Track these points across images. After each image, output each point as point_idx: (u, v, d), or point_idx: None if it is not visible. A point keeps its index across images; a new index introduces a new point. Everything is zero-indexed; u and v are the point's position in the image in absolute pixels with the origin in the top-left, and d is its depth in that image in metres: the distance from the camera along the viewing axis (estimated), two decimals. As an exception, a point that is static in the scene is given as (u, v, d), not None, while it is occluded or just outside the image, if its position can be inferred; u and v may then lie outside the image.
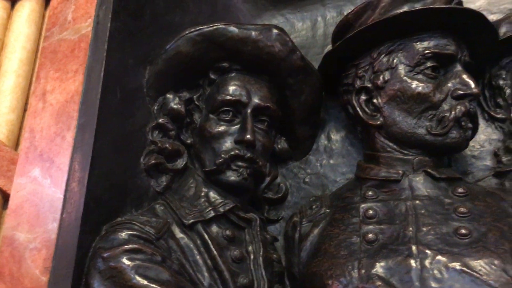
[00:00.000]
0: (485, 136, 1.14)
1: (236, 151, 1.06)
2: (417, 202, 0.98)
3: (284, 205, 1.22)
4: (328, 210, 1.09)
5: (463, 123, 0.99)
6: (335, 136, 1.25)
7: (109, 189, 0.96)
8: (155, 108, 1.12)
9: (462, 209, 0.94)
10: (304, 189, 1.23)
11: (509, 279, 0.83)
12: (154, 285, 0.85)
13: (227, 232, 1.04)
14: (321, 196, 1.16)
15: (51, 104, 1.03)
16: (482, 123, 1.14)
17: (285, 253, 1.13)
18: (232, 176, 1.06)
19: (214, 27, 1.11)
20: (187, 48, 1.11)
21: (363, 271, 0.91)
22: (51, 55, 1.08)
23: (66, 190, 0.93)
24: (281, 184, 1.23)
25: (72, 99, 1.01)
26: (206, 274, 0.96)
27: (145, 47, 1.10)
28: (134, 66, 1.07)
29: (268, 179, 1.19)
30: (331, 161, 1.23)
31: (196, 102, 1.14)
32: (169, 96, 1.12)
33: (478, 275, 0.84)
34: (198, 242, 1.00)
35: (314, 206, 1.12)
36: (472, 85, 0.99)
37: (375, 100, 1.06)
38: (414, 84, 1.02)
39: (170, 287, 0.86)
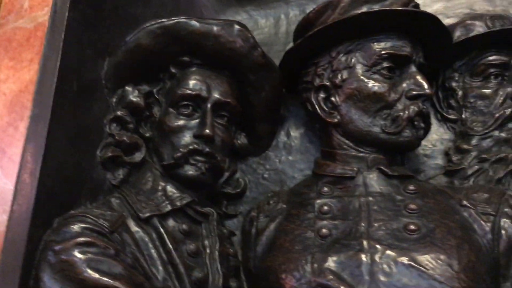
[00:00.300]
0: (437, 136, 1.18)
1: (195, 146, 1.06)
2: (370, 198, 1.00)
3: (242, 200, 1.23)
4: (285, 206, 1.10)
5: (416, 123, 1.02)
6: (295, 133, 1.27)
7: (62, 182, 0.95)
8: (114, 100, 1.10)
9: (412, 206, 0.97)
10: (263, 185, 1.24)
11: (454, 273, 0.86)
12: (106, 279, 0.84)
13: (184, 226, 1.04)
14: (279, 191, 1.17)
15: (4, 94, 1.01)
16: (434, 123, 1.17)
17: (241, 248, 1.14)
18: (190, 171, 1.06)
19: (176, 20, 1.10)
20: (147, 41, 1.10)
21: (315, 265, 0.93)
22: (6, 43, 1.05)
23: (17, 182, 0.91)
24: (240, 180, 1.23)
25: (26, 89, 0.99)
26: (160, 268, 0.96)
27: (104, 38, 1.09)
28: (92, 57, 1.06)
29: (227, 174, 1.19)
30: (290, 158, 1.25)
31: (156, 96, 1.14)
32: (128, 88, 1.11)
33: (424, 270, 0.87)
34: (154, 236, 0.99)
35: (271, 202, 1.13)
36: (426, 86, 1.02)
37: (333, 98, 1.08)
38: (371, 83, 1.04)
39: (123, 280, 0.85)
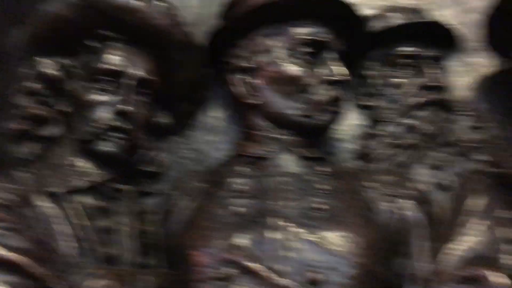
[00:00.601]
0: (352, 122, 1.23)
1: (113, 122, 1.04)
2: (285, 178, 1.03)
3: (162, 179, 1.22)
4: (203, 185, 1.11)
5: (330, 107, 1.06)
6: (217, 114, 1.27)
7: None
8: (26, 71, 1.06)
9: (323, 187, 1.01)
10: (183, 164, 1.24)
11: (358, 251, 0.91)
12: (9, 253, 0.82)
13: (98, 202, 1.03)
14: (198, 171, 1.18)
15: None
16: (350, 110, 1.22)
17: (159, 226, 1.14)
18: (106, 147, 1.04)
19: (98, -8, 1.07)
20: (65, 12, 1.06)
21: (228, 242, 0.95)
22: None
23: None
24: (159, 158, 1.22)
25: None
26: (70, 243, 0.95)
27: (16, 5, 1.04)
28: (1, 25, 1.01)
29: (146, 152, 1.18)
30: (211, 138, 1.26)
31: (74, 69, 1.10)
32: (44, 60, 1.07)
33: (332, 247, 0.91)
34: (65, 211, 0.97)
35: (190, 181, 1.14)
36: (341, 72, 1.06)
37: (252, 80, 1.10)
38: (289, 67, 1.06)
39: (28, 255, 0.84)
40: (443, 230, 0.97)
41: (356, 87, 1.24)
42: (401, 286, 0.95)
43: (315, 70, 1.06)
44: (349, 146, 1.22)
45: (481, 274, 0.86)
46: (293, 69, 1.06)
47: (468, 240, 0.92)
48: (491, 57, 1.18)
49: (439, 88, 1.18)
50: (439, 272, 0.91)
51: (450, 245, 0.93)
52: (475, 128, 1.16)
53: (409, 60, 1.21)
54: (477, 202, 0.96)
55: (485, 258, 0.90)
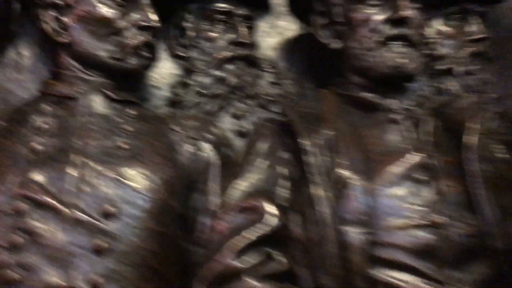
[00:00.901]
0: (167, 70, 1.28)
1: None
2: (90, 118, 1.04)
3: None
4: (5, 124, 1.07)
5: (141, 53, 1.09)
6: (25, 51, 1.22)
7: None
8: None
9: (128, 128, 1.05)
10: (-16, 102, 1.17)
11: (154, 186, 0.98)
12: None
13: None
14: (1, 109, 1.13)
15: None
16: (165, 58, 1.28)
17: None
18: None
19: None
20: None
21: (23, 178, 0.94)
22: None
23: None
24: (-45, 94, 1.14)
25: None
26: None
27: None
28: None
29: None
30: (19, 76, 1.21)
31: None
32: None
33: (128, 182, 0.97)
34: None
35: (-10, 119, 1.08)
36: (154, 18, 1.09)
37: (64, 18, 1.07)
38: (102, 8, 1.06)
39: None
40: (236, 170, 1.08)
41: (173, 37, 1.30)
42: (196, 218, 1.04)
43: (128, 14, 1.08)
44: (163, 93, 1.28)
45: (258, 204, 0.99)
46: (105, 10, 1.06)
47: (252, 177, 1.05)
48: (294, 21, 1.32)
49: (247, 45, 1.29)
50: (224, 204, 1.02)
51: (237, 181, 1.05)
52: (274, 83, 1.30)
53: (223, 16, 1.29)
54: (263, 145, 1.09)
55: (264, 191, 1.03)
